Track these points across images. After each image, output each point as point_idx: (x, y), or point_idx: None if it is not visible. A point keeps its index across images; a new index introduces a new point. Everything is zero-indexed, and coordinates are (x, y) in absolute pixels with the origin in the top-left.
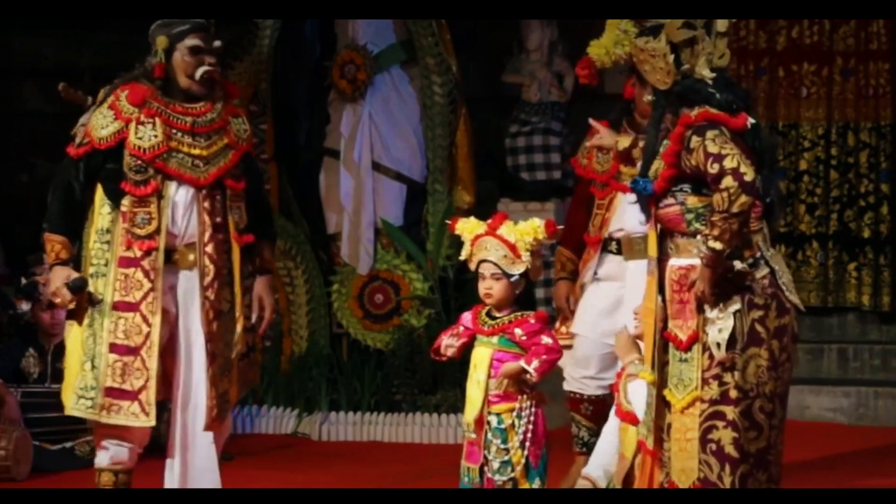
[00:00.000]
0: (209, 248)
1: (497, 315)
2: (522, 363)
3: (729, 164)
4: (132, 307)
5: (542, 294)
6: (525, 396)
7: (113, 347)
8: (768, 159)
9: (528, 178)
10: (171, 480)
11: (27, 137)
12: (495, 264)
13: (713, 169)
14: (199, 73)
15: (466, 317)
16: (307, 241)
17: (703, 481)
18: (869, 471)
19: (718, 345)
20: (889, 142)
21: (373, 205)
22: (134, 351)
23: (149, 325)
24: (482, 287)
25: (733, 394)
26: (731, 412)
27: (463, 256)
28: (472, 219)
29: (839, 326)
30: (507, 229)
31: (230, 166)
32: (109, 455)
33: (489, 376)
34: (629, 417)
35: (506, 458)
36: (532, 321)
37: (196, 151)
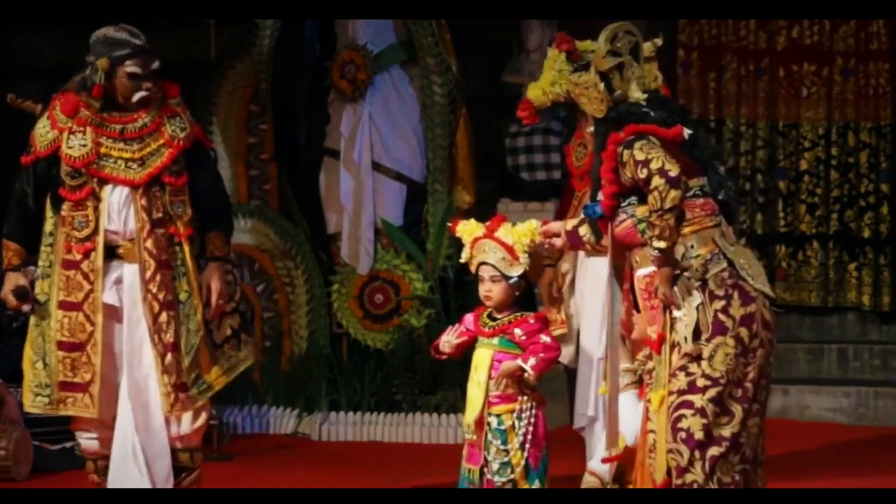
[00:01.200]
0: (148, 244)
1: (498, 317)
2: (519, 361)
3: (655, 165)
4: (75, 307)
5: None
6: (526, 398)
7: (60, 345)
8: (715, 163)
9: (528, 178)
10: (120, 465)
11: (27, 137)
12: (494, 267)
13: (642, 174)
14: (136, 97)
15: (468, 318)
16: (307, 241)
17: (677, 468)
18: (869, 471)
19: (686, 339)
20: (889, 142)
21: (373, 205)
22: (79, 347)
23: (92, 323)
24: (482, 289)
25: (701, 382)
26: (699, 400)
27: (463, 259)
28: (473, 221)
29: (839, 326)
30: (504, 231)
31: (166, 164)
32: (83, 447)
33: (490, 377)
34: None
35: (505, 459)
36: (531, 321)
37: (127, 155)
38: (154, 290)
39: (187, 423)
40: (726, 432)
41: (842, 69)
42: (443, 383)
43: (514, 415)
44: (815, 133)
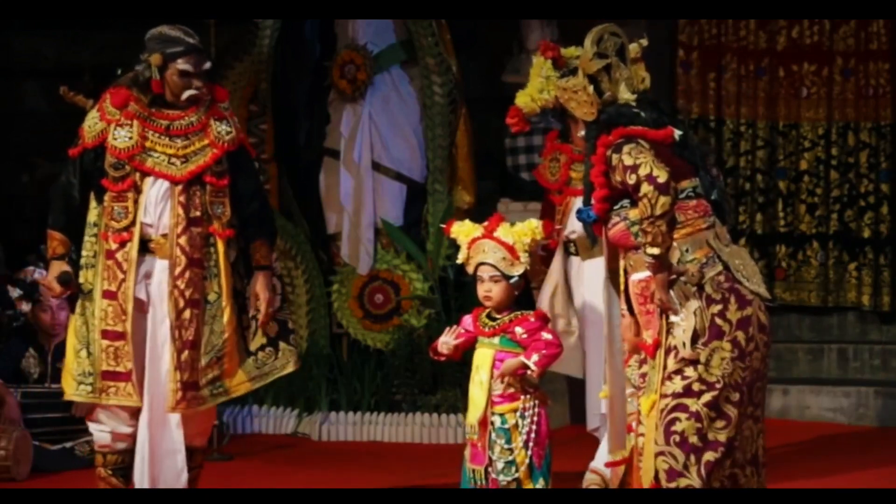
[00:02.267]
0: (182, 240)
1: (497, 316)
2: (522, 358)
3: (643, 171)
4: (114, 295)
5: None
6: (528, 396)
7: (104, 333)
8: (704, 164)
9: (528, 178)
10: (140, 460)
11: (27, 137)
12: (494, 266)
13: (631, 180)
14: (185, 95)
15: (467, 320)
16: (307, 241)
17: (669, 472)
18: (869, 471)
19: (684, 344)
20: (889, 142)
21: (373, 205)
22: (122, 336)
23: (125, 312)
24: (481, 290)
25: (696, 387)
26: (693, 404)
27: (459, 260)
28: (467, 222)
29: (839, 326)
30: (504, 231)
31: (209, 164)
32: (95, 439)
33: (492, 377)
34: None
35: (510, 458)
36: (532, 319)
37: (171, 151)
38: (181, 287)
39: (195, 423)
40: (722, 437)
41: (842, 69)
42: (443, 383)
43: (518, 414)
44: (814, 133)
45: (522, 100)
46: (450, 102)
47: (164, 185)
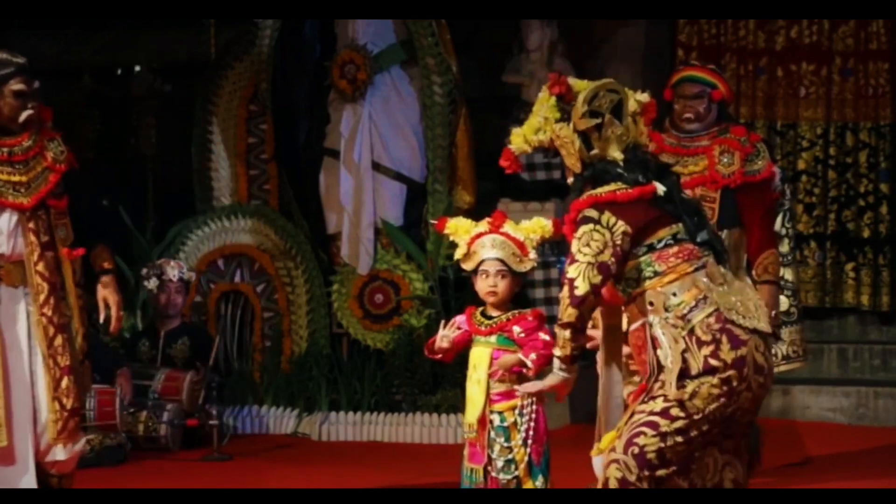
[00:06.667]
0: (40, 267)
1: (493, 314)
2: (520, 356)
3: (572, 272)
4: None
5: (542, 294)
6: (525, 394)
7: None
8: (696, 212)
9: (528, 178)
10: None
11: None
12: (503, 262)
13: (566, 269)
14: (22, 116)
15: (460, 319)
16: (307, 241)
17: (621, 481)
18: (869, 471)
19: (671, 384)
20: (888, 141)
21: (373, 205)
22: None
23: None
24: (486, 285)
25: (674, 412)
26: (666, 426)
27: (458, 256)
28: (461, 218)
29: (839, 326)
30: (513, 227)
31: (51, 188)
32: None
33: (490, 376)
34: None
35: (509, 456)
36: (530, 318)
37: (16, 178)
38: (49, 314)
39: (65, 450)
40: (675, 457)
41: (841, 69)
42: (443, 383)
43: (516, 411)
44: (813, 133)
45: (517, 141)
46: (450, 102)
47: (14, 215)
